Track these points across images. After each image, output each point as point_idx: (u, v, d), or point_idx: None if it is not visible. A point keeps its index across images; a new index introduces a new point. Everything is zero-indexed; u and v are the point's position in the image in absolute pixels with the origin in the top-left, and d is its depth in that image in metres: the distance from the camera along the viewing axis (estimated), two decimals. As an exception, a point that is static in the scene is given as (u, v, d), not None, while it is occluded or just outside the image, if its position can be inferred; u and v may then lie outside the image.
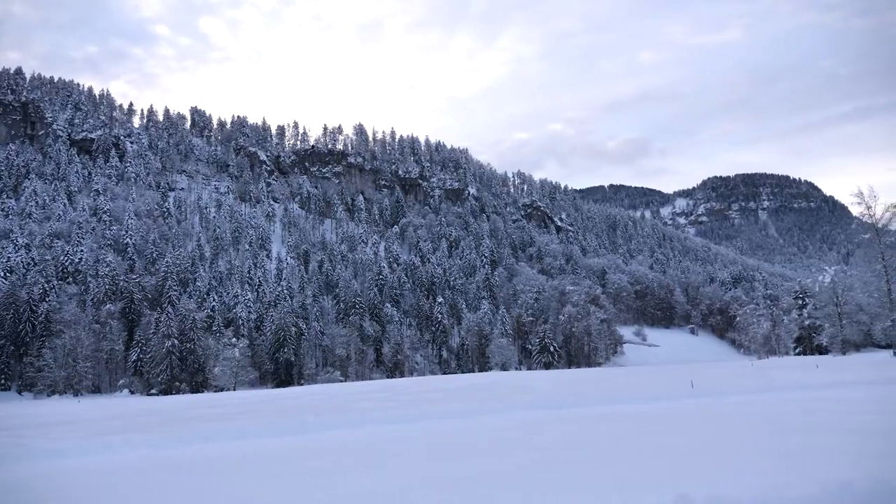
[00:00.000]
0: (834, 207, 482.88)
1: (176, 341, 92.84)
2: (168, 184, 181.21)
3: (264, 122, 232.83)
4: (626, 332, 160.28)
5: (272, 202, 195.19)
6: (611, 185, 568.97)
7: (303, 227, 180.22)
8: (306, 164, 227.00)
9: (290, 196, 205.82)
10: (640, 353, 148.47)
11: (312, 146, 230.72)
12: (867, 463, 9.06)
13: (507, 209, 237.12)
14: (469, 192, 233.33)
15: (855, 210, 62.27)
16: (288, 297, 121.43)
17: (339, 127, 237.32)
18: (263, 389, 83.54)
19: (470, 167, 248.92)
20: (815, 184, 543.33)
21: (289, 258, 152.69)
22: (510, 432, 16.02)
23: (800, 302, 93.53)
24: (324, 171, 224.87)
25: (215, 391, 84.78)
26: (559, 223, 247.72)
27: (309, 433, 18.23)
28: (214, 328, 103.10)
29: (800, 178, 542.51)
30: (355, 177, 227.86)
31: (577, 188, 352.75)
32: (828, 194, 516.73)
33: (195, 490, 10.47)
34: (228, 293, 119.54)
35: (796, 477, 8.17)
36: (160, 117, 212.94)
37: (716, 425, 15.73)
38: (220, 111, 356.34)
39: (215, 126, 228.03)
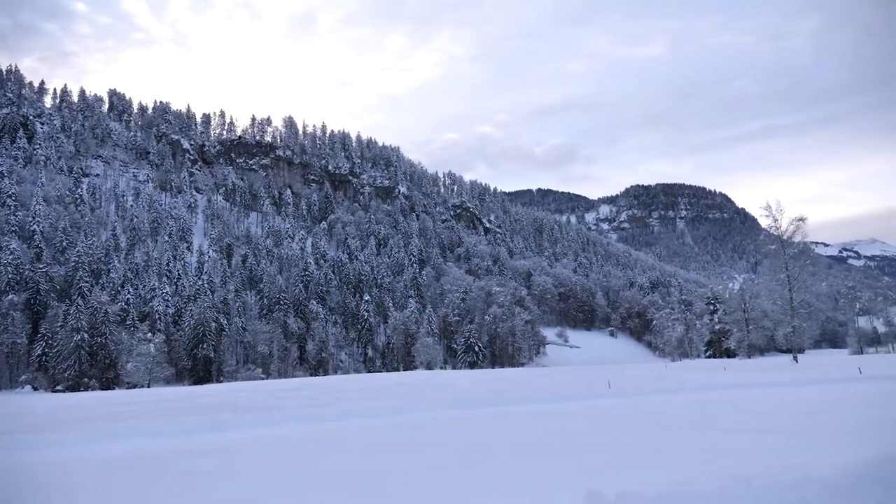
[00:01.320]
0: (745, 219, 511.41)
1: (86, 335, 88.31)
2: (82, 169, 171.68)
3: (189, 110, 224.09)
4: (550, 333, 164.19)
5: (195, 193, 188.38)
6: (539, 189, 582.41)
7: (227, 220, 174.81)
8: (232, 154, 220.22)
9: (214, 187, 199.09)
10: (562, 354, 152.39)
11: (239, 137, 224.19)
12: (764, 459, 9.65)
13: (437, 209, 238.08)
14: (399, 191, 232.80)
15: (763, 222, 66.16)
16: (209, 292, 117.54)
17: (268, 118, 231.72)
18: (180, 386, 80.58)
19: (401, 165, 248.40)
20: (729, 196, 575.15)
21: (211, 251, 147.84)
22: (432, 430, 16.11)
23: (711, 308, 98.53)
24: (250, 162, 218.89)
25: (128, 388, 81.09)
26: (488, 225, 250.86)
27: (226, 432, 17.68)
28: (129, 322, 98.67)
29: (715, 190, 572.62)
30: (283, 170, 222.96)
31: (506, 191, 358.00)
32: (740, 206, 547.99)
33: (101, 492, 10.00)
34: (145, 286, 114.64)
35: (700, 473, 8.59)
36: (75, 98, 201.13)
37: (629, 424, 16.35)
38: (142, 96, 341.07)
39: (135, 111, 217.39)
